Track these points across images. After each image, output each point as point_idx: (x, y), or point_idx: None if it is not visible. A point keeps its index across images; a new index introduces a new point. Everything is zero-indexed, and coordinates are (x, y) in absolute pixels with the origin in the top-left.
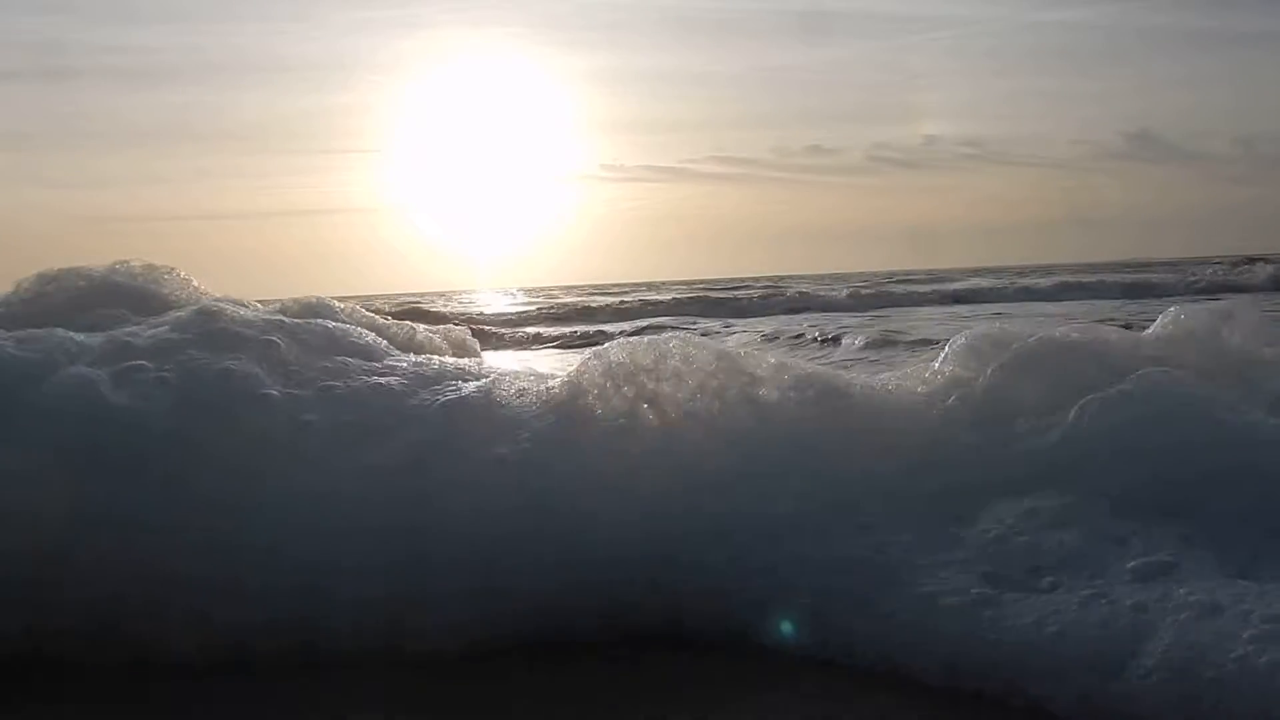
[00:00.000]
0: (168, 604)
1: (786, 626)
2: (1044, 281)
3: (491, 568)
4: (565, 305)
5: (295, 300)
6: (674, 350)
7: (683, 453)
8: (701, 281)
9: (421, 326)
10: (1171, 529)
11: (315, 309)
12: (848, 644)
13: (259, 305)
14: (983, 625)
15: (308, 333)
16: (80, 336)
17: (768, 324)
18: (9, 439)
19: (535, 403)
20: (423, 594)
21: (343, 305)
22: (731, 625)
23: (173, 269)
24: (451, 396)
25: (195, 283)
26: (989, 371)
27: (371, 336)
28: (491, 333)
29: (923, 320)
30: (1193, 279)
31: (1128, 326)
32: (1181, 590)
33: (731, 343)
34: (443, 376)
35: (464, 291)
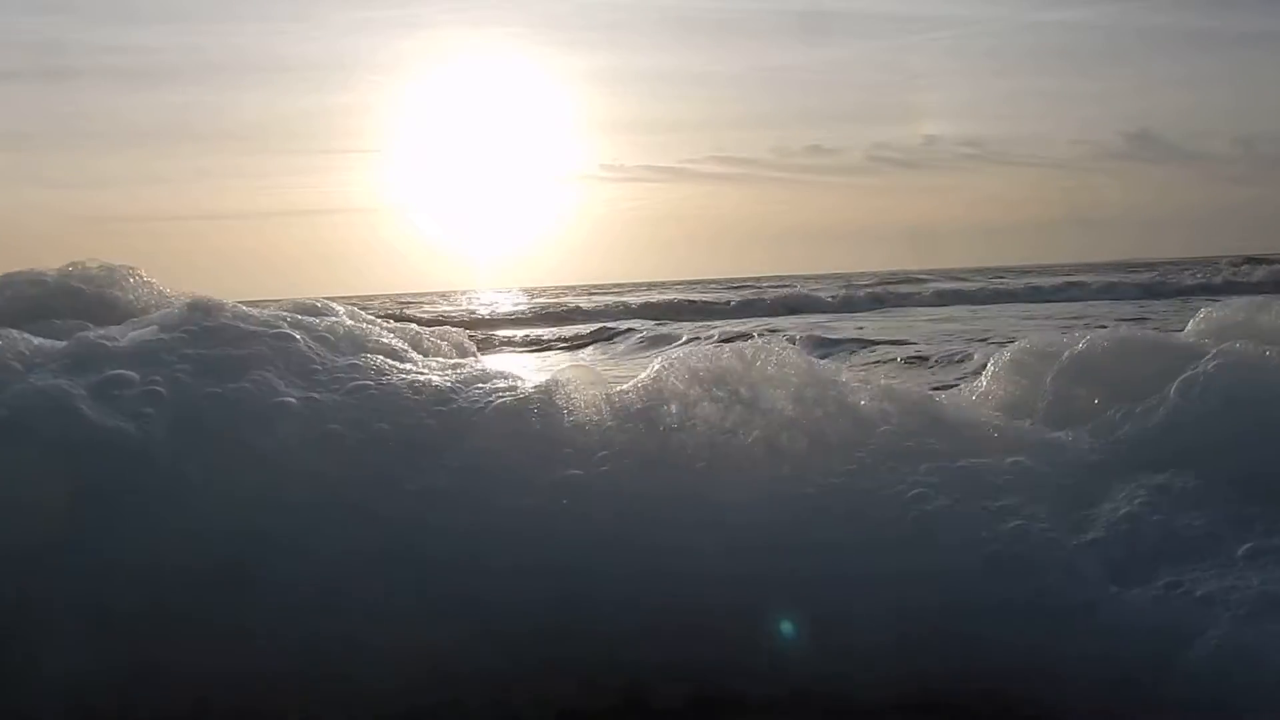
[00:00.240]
0: None
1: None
2: (1047, 281)
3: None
4: (551, 306)
5: (293, 303)
6: (763, 355)
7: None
8: (701, 282)
9: (425, 330)
10: None
11: (315, 312)
12: None
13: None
14: None
15: (327, 330)
16: (37, 340)
17: (736, 327)
18: None
19: (605, 413)
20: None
21: (345, 308)
22: None
23: (134, 269)
24: (505, 401)
25: (160, 285)
26: (1051, 375)
27: (392, 337)
28: (485, 336)
29: (903, 322)
30: (1197, 279)
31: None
32: None
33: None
34: (487, 379)
35: (463, 291)
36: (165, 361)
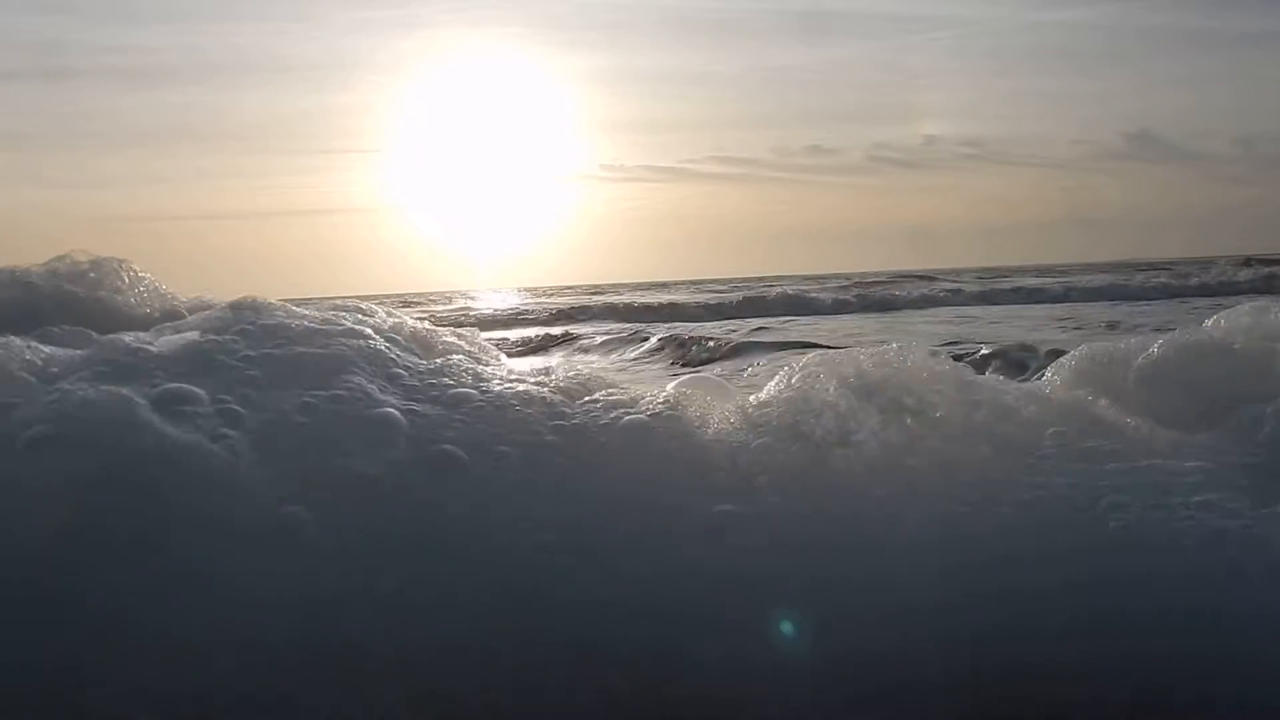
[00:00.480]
0: None
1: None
2: (1047, 282)
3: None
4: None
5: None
6: (910, 357)
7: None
8: (702, 281)
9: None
10: None
11: (356, 311)
12: None
13: None
14: None
15: (393, 329)
16: (46, 348)
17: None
18: None
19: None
20: None
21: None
22: None
23: (125, 262)
24: (635, 417)
25: (155, 281)
26: (1132, 380)
27: (454, 337)
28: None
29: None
30: (1200, 279)
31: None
32: None
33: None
34: (590, 388)
35: (463, 291)
36: (226, 366)
